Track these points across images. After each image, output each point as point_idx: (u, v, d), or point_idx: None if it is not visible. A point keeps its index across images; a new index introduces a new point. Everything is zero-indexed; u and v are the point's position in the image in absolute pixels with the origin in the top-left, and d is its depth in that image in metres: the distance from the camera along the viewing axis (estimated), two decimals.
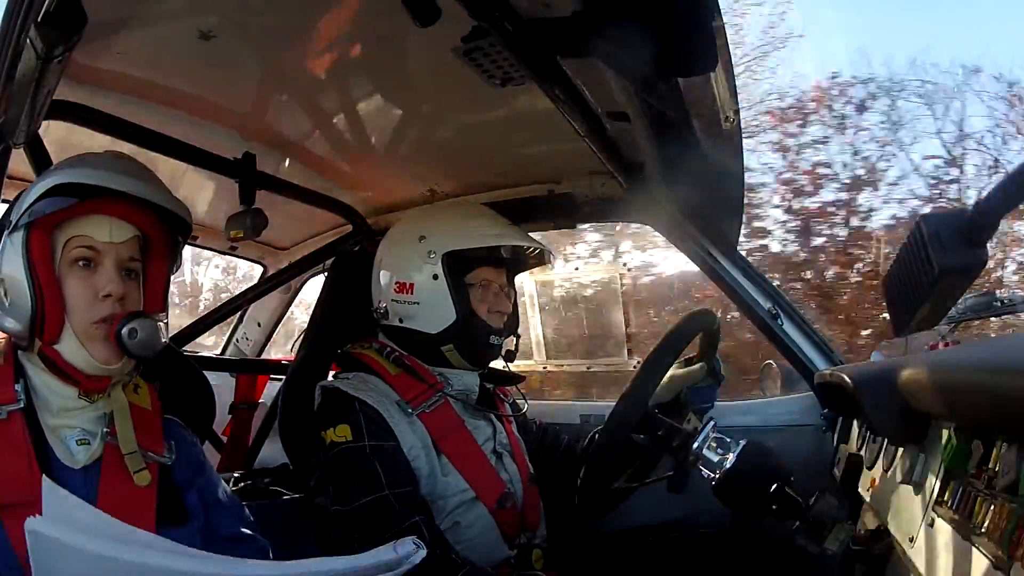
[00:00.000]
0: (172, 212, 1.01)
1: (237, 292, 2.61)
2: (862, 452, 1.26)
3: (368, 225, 1.97)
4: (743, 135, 1.19)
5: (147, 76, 1.32)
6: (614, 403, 1.37)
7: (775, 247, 5.91)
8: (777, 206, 5.96)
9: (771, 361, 1.82)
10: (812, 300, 5.57)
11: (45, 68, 0.89)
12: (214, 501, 1.08)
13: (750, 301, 1.67)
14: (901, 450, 1.01)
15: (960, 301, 1.31)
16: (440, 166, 1.74)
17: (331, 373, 1.54)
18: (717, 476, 1.25)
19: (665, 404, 1.47)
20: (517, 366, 1.63)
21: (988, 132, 5.69)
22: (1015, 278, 5.36)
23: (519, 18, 0.97)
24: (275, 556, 1.14)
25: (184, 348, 1.90)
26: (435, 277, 1.40)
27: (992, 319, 1.72)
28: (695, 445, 1.28)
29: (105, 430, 0.98)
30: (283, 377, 1.77)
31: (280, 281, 2.20)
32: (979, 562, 0.69)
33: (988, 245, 0.56)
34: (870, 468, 1.19)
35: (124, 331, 0.95)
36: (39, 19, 0.82)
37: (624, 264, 2.39)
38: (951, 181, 5.70)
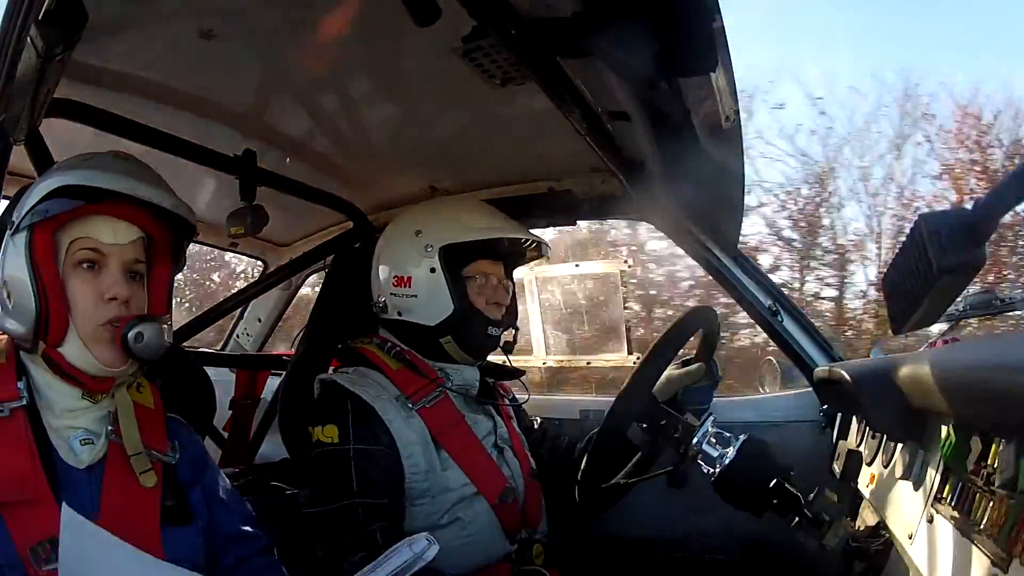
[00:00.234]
0: (176, 214, 1.01)
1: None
2: (861, 448, 1.26)
3: (368, 222, 1.97)
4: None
5: (147, 74, 1.31)
6: (614, 397, 1.38)
7: None
8: None
9: (771, 357, 1.82)
10: None
11: (46, 67, 0.89)
12: (217, 499, 1.09)
13: (750, 298, 1.68)
14: (900, 446, 1.02)
15: (959, 299, 1.31)
16: (440, 163, 1.74)
17: (331, 368, 1.54)
18: (717, 471, 1.25)
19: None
20: (516, 361, 1.63)
21: None
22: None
23: (519, 18, 0.97)
24: (278, 552, 1.15)
25: (184, 344, 1.90)
26: (432, 271, 1.40)
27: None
28: (695, 440, 1.28)
29: (109, 429, 0.98)
30: (283, 372, 1.77)
31: (281, 277, 2.20)
32: (978, 558, 0.70)
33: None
34: (869, 464, 1.20)
35: (131, 335, 0.94)
36: (40, 17, 0.82)
37: (626, 261, 2.36)
38: None
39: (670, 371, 1.50)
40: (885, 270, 0.66)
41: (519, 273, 1.64)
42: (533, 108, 1.34)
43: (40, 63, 0.88)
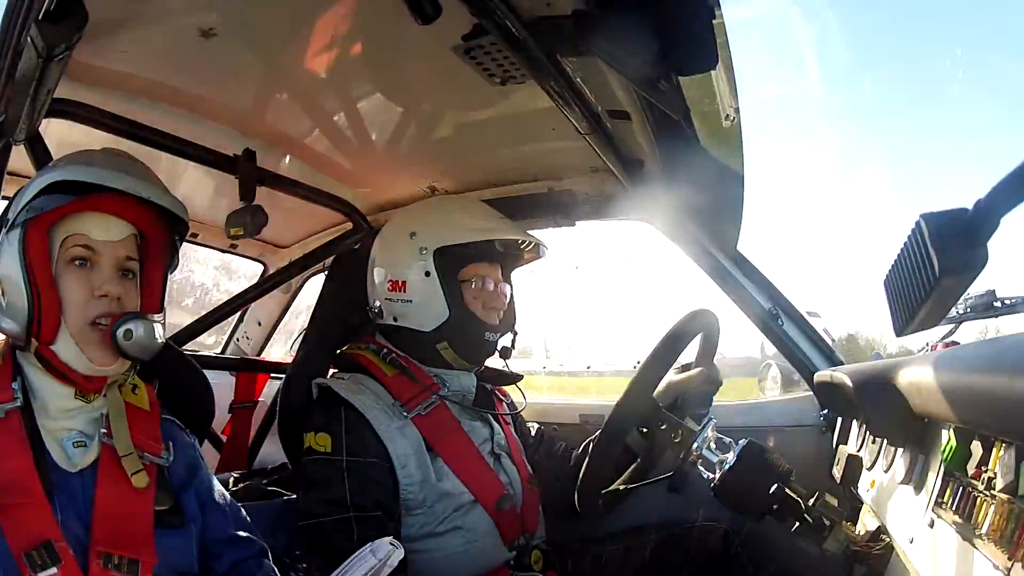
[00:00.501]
0: (170, 211, 1.01)
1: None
2: (862, 453, 1.25)
3: (368, 222, 1.97)
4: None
5: (148, 74, 1.31)
6: (613, 402, 1.37)
7: None
8: None
9: (771, 361, 1.81)
10: None
11: (46, 66, 0.89)
12: (211, 503, 1.08)
13: (750, 300, 1.67)
14: (900, 451, 1.01)
15: (960, 301, 1.31)
16: (440, 163, 1.74)
17: (329, 373, 1.54)
18: (717, 476, 1.24)
19: None
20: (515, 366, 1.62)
21: None
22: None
23: (519, 17, 0.97)
24: (274, 557, 1.15)
25: (184, 347, 1.90)
26: (427, 274, 1.38)
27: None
28: (695, 445, 1.28)
29: (103, 430, 0.98)
30: (283, 376, 1.76)
31: (280, 280, 2.20)
32: (979, 563, 0.69)
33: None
34: (870, 469, 1.19)
35: (120, 332, 0.94)
36: (40, 17, 0.82)
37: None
38: None
39: (670, 376, 1.49)
40: (887, 272, 0.65)
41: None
42: (533, 107, 1.34)
43: (40, 63, 0.88)
